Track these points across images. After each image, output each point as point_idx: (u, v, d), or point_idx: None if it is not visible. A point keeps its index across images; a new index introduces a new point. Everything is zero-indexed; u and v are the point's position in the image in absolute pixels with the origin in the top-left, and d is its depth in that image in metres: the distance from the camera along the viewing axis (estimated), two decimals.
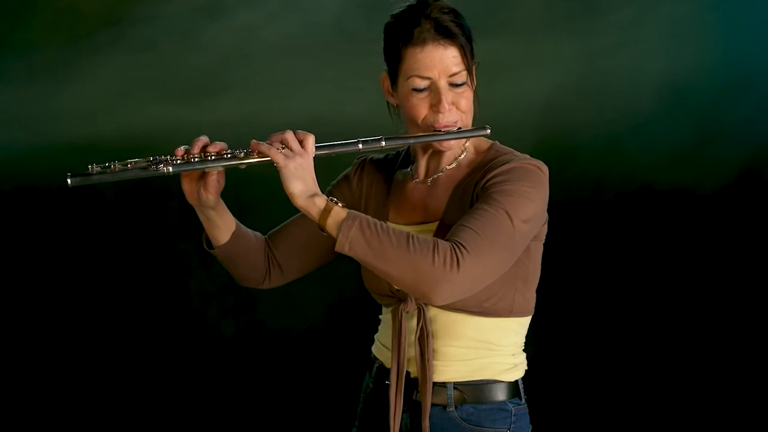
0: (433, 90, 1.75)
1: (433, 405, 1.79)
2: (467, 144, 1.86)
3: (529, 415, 1.88)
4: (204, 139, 1.73)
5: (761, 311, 3.61)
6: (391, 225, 1.67)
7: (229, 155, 1.70)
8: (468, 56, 1.76)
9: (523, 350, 1.90)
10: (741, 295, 3.63)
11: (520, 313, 1.83)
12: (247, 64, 3.83)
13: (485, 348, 1.81)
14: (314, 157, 1.69)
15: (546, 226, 1.82)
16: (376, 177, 1.97)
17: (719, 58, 3.64)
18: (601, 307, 3.71)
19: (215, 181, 1.76)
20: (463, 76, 1.75)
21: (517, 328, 1.85)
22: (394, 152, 2.00)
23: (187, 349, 3.85)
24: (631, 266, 3.69)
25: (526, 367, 1.90)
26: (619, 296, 3.70)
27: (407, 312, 1.81)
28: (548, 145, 3.53)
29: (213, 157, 1.70)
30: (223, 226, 1.86)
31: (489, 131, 1.79)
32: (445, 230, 1.70)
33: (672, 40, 3.67)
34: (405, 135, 1.81)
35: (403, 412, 1.83)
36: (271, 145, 1.67)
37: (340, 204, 1.64)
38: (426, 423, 1.79)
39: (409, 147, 1.96)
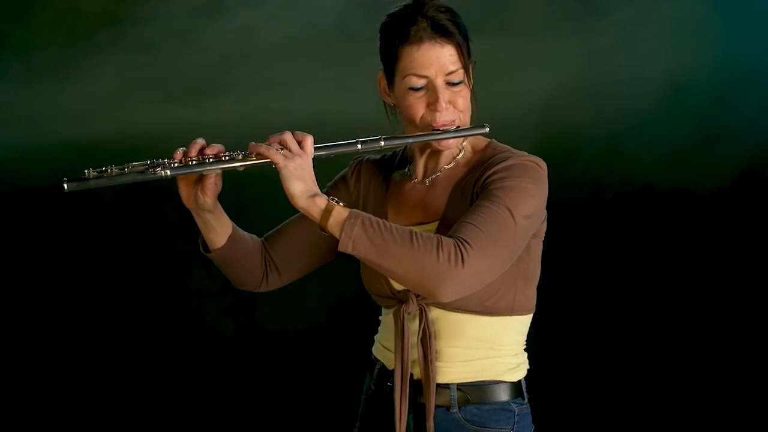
0: (430, 89, 1.75)
1: (436, 406, 1.79)
2: (465, 143, 1.85)
3: (531, 415, 1.88)
4: (201, 142, 1.72)
5: (761, 311, 3.61)
6: None
7: (227, 157, 1.69)
8: (465, 55, 1.76)
9: (525, 350, 1.90)
10: (741, 295, 3.63)
11: (521, 311, 1.83)
12: (247, 64, 3.83)
13: (488, 348, 1.81)
14: (313, 158, 1.68)
15: (545, 224, 1.82)
16: (373, 178, 1.96)
17: (719, 58, 3.64)
18: (601, 307, 3.71)
19: (213, 183, 1.74)
20: (460, 75, 1.75)
21: (519, 326, 1.85)
22: (391, 153, 1.99)
23: (186, 349, 3.85)
24: (631, 266, 3.69)
25: (528, 367, 1.90)
26: (619, 296, 3.70)
27: (409, 313, 1.80)
28: (548, 144, 3.52)
29: (211, 160, 1.69)
30: (220, 229, 1.84)
31: (488, 129, 1.79)
32: (445, 230, 1.69)
33: (672, 40, 3.67)
34: (404, 135, 1.81)
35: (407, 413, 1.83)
36: (270, 146, 1.67)
37: (341, 203, 1.64)
38: (430, 424, 1.78)
39: (405, 147, 1.95)
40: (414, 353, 1.81)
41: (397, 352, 1.81)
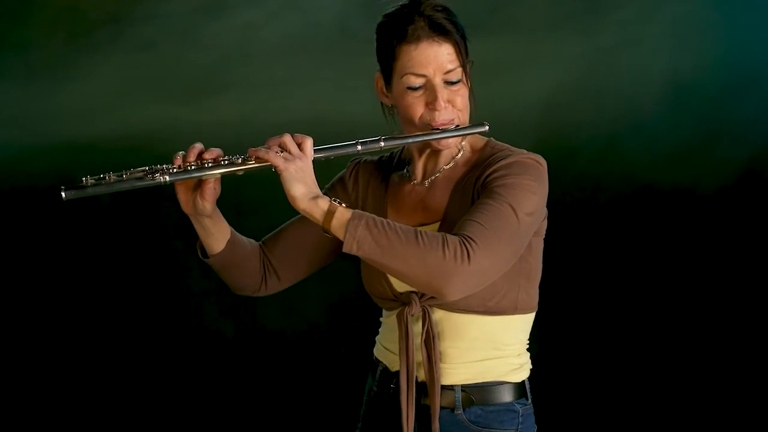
0: (428, 88, 1.74)
1: (440, 408, 1.79)
2: (464, 143, 1.85)
3: (534, 415, 1.88)
4: (199, 146, 1.71)
5: (761, 311, 3.60)
6: None
7: (226, 162, 1.68)
8: (462, 53, 1.75)
9: (527, 350, 1.90)
10: (741, 295, 3.62)
11: (524, 310, 1.83)
12: (247, 64, 3.82)
13: (491, 348, 1.81)
14: (313, 160, 1.68)
15: (546, 222, 1.82)
16: (371, 179, 1.95)
17: (721, 58, 3.63)
18: (602, 307, 3.70)
19: (212, 188, 1.73)
20: (458, 74, 1.75)
21: (522, 325, 1.85)
22: (388, 154, 1.99)
23: (186, 350, 3.84)
24: (632, 266, 3.69)
25: (531, 367, 1.89)
26: (619, 297, 3.69)
27: (412, 315, 1.80)
28: (548, 144, 3.51)
29: (210, 164, 1.68)
30: (218, 234, 1.83)
31: (487, 128, 1.78)
32: (447, 230, 1.68)
33: (673, 39, 3.67)
34: (403, 135, 1.80)
35: None
36: (269, 149, 1.66)
37: (343, 204, 1.63)
38: (436, 425, 1.78)
39: (403, 148, 1.95)
40: (418, 355, 1.81)
41: (402, 355, 1.81)
